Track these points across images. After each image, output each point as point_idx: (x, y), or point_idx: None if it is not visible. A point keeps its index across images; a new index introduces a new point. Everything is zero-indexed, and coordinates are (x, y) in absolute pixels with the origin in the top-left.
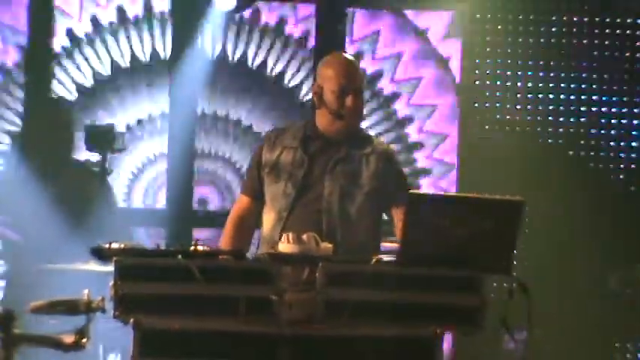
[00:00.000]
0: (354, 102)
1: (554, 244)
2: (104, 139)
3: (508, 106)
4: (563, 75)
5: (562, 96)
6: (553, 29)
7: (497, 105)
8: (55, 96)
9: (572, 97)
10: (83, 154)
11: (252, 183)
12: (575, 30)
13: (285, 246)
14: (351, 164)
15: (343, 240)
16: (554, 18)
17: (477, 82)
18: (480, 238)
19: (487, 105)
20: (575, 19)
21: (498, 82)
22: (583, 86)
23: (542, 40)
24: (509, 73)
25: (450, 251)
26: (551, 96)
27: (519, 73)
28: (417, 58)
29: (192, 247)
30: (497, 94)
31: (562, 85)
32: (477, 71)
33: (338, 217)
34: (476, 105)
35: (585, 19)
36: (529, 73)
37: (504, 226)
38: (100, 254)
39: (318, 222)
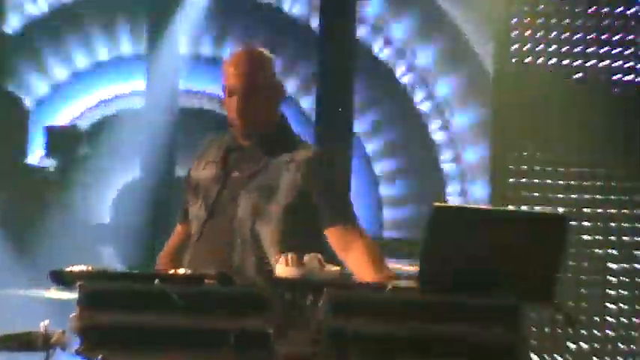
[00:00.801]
0: (239, 103)
1: None
2: (65, 143)
3: None
4: None
5: None
6: None
7: None
8: (7, 91)
9: None
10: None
11: (184, 208)
12: None
13: (284, 269)
14: (267, 176)
15: (258, 270)
16: None
17: None
18: (516, 258)
19: None
20: None
21: None
22: None
23: None
24: None
25: (480, 275)
26: None
27: None
28: None
29: (171, 271)
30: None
31: None
32: None
33: (250, 242)
34: None
35: None
36: None
37: (546, 244)
38: (61, 278)
39: (229, 248)
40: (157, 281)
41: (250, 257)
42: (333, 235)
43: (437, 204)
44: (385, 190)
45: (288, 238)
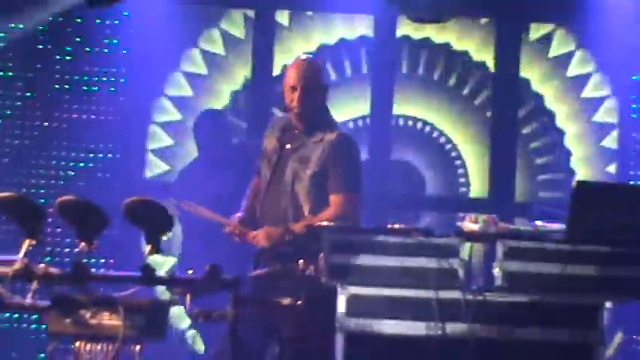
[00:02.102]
0: (298, 97)
1: None
2: None
3: None
4: None
5: None
6: None
7: None
8: None
9: None
10: None
11: (259, 166)
12: None
13: (468, 225)
14: (305, 150)
15: (293, 217)
16: None
17: None
18: (637, 218)
19: None
20: None
21: None
22: None
23: None
24: None
25: (613, 230)
26: None
27: None
28: None
29: (394, 225)
30: None
31: None
32: None
33: (290, 197)
34: None
35: None
36: None
37: None
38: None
39: (280, 206)
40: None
41: (290, 208)
42: (334, 197)
43: (579, 179)
44: None
45: (314, 197)
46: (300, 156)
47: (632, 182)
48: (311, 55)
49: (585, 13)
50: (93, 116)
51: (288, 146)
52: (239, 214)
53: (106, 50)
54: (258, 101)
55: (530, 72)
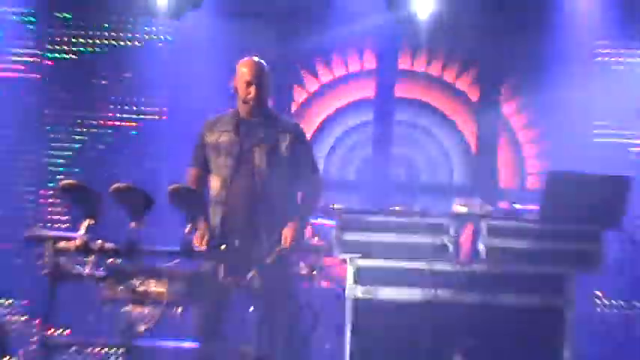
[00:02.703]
0: (255, 91)
1: None
2: None
3: None
4: None
5: None
6: None
7: None
8: None
9: None
10: None
11: (198, 158)
12: None
13: (459, 207)
14: (271, 139)
15: (268, 196)
16: None
17: None
18: (600, 203)
19: None
20: None
21: None
22: None
23: None
24: None
25: (578, 212)
26: None
27: None
28: None
29: (393, 207)
30: None
31: None
32: None
33: (266, 180)
34: None
35: None
36: None
37: (617, 195)
38: (328, 212)
39: (252, 184)
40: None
41: (263, 190)
42: (302, 177)
43: (552, 170)
44: None
45: (288, 178)
46: (269, 144)
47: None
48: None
49: None
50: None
51: (247, 137)
52: (203, 226)
53: None
54: None
55: None
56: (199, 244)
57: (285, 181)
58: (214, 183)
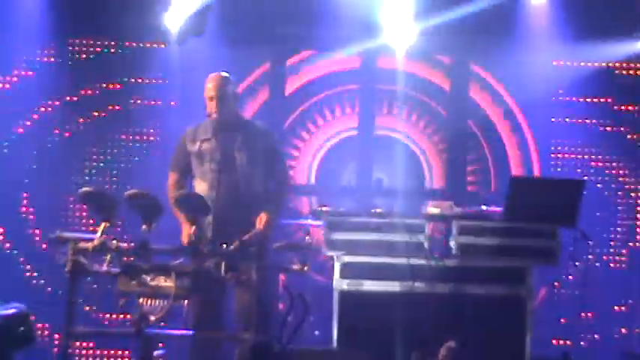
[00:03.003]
0: (216, 106)
1: None
2: None
3: None
4: None
5: None
6: None
7: None
8: None
9: None
10: None
11: (180, 163)
12: None
13: (432, 209)
14: (248, 143)
15: (249, 192)
16: None
17: None
18: (556, 203)
19: None
20: None
21: None
22: None
23: None
24: None
25: (537, 212)
26: None
27: None
28: None
29: (376, 210)
30: None
31: None
32: None
33: (249, 179)
34: None
35: None
36: None
37: (572, 197)
38: (316, 214)
39: (236, 185)
40: (365, 217)
41: (245, 187)
42: (283, 174)
43: (515, 175)
44: None
45: (263, 175)
46: (247, 147)
47: (554, 177)
48: (223, 71)
49: None
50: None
51: (226, 144)
52: (192, 229)
53: None
54: None
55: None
56: (185, 242)
57: (261, 178)
58: (201, 187)
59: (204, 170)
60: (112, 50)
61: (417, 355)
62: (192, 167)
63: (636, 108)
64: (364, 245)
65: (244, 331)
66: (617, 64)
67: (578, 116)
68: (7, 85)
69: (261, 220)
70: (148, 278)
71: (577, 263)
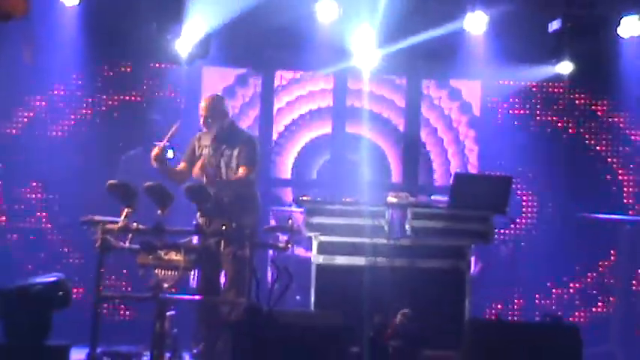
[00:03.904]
0: (205, 123)
1: None
2: None
3: None
4: None
5: None
6: None
7: None
8: None
9: None
10: None
11: (189, 157)
12: None
13: (392, 198)
14: (231, 149)
15: (228, 187)
16: None
17: None
18: (490, 193)
19: None
20: None
21: None
22: None
23: None
24: None
25: (475, 202)
26: None
27: None
28: None
29: (347, 199)
30: None
31: None
32: None
33: (226, 177)
34: None
35: None
36: None
37: (502, 189)
38: (298, 202)
39: (218, 175)
40: (338, 204)
41: (225, 181)
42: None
43: (459, 171)
44: None
45: (234, 173)
46: (228, 153)
47: (488, 174)
48: (217, 93)
49: None
50: None
51: (217, 148)
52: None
53: None
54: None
55: None
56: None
57: (232, 173)
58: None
59: (204, 161)
60: (131, 69)
61: (378, 317)
62: (194, 163)
63: (555, 118)
64: (337, 227)
65: (234, 295)
66: (536, 83)
67: (505, 124)
68: (44, 103)
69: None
70: (162, 253)
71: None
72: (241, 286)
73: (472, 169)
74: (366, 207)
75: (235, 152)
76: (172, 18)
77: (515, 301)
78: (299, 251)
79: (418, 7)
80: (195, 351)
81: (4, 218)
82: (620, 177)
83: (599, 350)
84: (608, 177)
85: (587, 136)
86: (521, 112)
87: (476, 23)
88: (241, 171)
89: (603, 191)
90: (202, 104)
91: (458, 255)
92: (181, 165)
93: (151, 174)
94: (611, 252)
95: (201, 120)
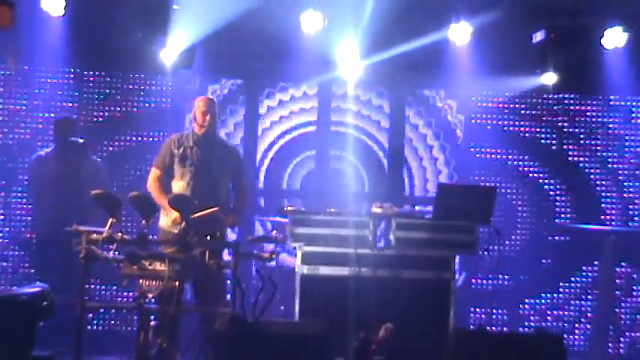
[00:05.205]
0: (209, 119)
1: None
2: None
3: None
4: None
5: None
6: None
7: None
8: None
9: None
10: None
11: (163, 163)
12: None
13: (376, 209)
14: (221, 154)
15: (217, 194)
16: None
17: None
18: (475, 205)
19: None
20: None
21: None
22: None
23: None
24: None
25: (459, 212)
26: None
27: None
28: None
29: (330, 209)
30: None
31: None
32: None
33: (219, 185)
34: None
35: None
36: None
37: (487, 200)
38: (281, 212)
39: (207, 188)
40: (322, 215)
41: (216, 189)
42: (236, 183)
43: (442, 182)
44: None
45: (227, 183)
46: (219, 158)
47: (473, 184)
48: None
49: None
50: None
51: (204, 152)
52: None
53: None
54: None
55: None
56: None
57: (228, 186)
58: (178, 185)
59: (184, 172)
60: (120, 80)
61: (362, 333)
62: (173, 168)
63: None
64: (321, 238)
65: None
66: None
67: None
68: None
69: (228, 220)
70: (147, 263)
71: (490, 253)
72: (224, 297)
73: (452, 180)
74: (350, 217)
75: (228, 163)
76: (158, 29)
77: (500, 311)
78: (291, 260)
79: (403, 17)
80: None
81: None
82: (601, 188)
83: None
84: (592, 188)
85: (569, 148)
86: (505, 122)
87: (460, 34)
88: (244, 196)
89: (586, 202)
90: (203, 102)
91: (442, 266)
92: (155, 173)
93: (63, 174)
94: (595, 262)
95: (201, 118)
